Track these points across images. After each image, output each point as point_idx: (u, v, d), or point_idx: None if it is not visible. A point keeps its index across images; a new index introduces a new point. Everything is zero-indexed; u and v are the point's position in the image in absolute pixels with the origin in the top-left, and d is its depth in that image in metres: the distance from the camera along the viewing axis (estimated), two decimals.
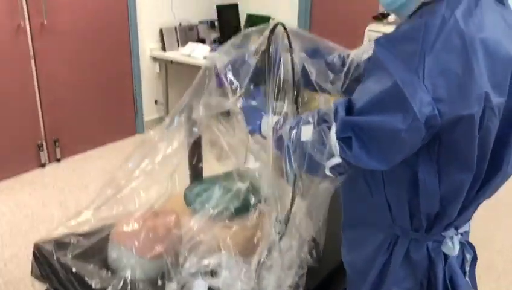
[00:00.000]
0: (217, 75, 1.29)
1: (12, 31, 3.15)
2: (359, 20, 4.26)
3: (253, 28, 1.33)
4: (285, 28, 1.26)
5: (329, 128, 0.96)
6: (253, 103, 1.26)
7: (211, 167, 1.64)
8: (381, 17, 3.85)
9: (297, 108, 1.25)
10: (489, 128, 0.90)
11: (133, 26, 3.93)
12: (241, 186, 1.46)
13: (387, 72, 0.87)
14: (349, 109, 0.94)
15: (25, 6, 3.17)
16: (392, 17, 3.76)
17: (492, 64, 0.86)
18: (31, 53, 3.29)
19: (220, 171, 1.59)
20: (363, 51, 1.27)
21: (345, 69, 1.23)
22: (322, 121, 1.00)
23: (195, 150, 1.60)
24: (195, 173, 1.67)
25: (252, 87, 1.29)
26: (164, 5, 4.11)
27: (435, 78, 0.84)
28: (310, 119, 1.02)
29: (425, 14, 0.91)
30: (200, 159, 1.65)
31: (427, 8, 0.94)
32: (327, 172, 0.98)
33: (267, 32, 1.27)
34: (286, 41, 1.26)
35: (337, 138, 0.93)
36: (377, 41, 0.94)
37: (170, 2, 4.13)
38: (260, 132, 1.20)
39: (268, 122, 1.16)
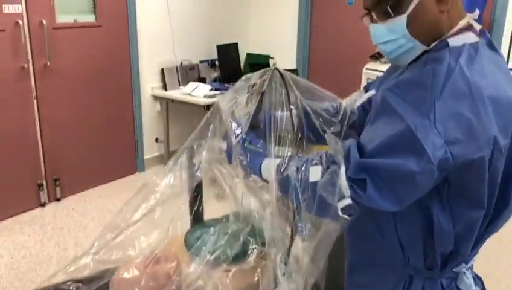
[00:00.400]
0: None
1: (16, 72, 3.21)
2: (357, 59, 4.34)
3: (254, 74, 1.35)
4: (281, 74, 1.26)
5: (339, 169, 0.97)
6: (252, 146, 1.27)
7: (210, 207, 1.63)
8: (378, 56, 3.93)
9: (297, 152, 1.25)
10: (498, 168, 0.93)
11: (135, 67, 4.00)
12: (242, 229, 1.45)
13: (399, 116, 0.90)
14: (360, 151, 0.96)
15: (29, 49, 3.25)
16: None
17: (497, 109, 0.90)
18: (34, 94, 3.34)
19: (220, 212, 1.59)
20: (355, 99, 1.30)
21: (341, 115, 1.25)
22: (331, 162, 1.00)
23: (196, 194, 1.59)
24: (197, 217, 1.66)
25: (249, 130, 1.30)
26: (166, 46, 4.20)
27: (446, 122, 0.87)
28: (318, 161, 1.03)
29: (430, 61, 0.96)
30: (201, 203, 1.64)
31: (431, 56, 0.98)
32: (340, 213, 0.98)
33: (265, 77, 1.28)
34: (283, 86, 1.27)
35: (349, 180, 0.94)
36: (386, 87, 0.98)
37: (171, 43, 4.22)
38: (260, 175, 1.20)
39: (269, 164, 1.16)
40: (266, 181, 1.18)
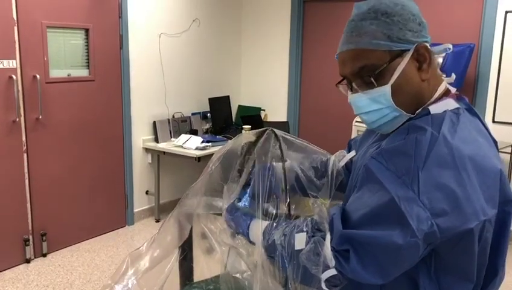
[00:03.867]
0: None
1: (7, 125, 3.20)
2: (347, 112, 4.39)
3: (251, 132, 1.34)
4: (275, 134, 1.27)
5: (324, 238, 0.95)
6: (241, 205, 1.25)
7: (199, 262, 1.59)
8: None
9: (289, 212, 1.23)
10: (488, 239, 0.92)
11: (127, 120, 4.02)
12: None
13: (383, 186, 0.89)
14: (344, 220, 0.94)
15: (21, 102, 3.26)
16: None
17: (483, 178, 0.88)
18: (24, 147, 3.32)
19: (210, 270, 1.54)
20: (339, 159, 1.31)
21: (329, 176, 1.24)
22: (316, 230, 0.98)
23: (185, 253, 1.56)
24: (186, 278, 1.61)
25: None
26: (158, 99, 4.25)
27: (431, 193, 0.84)
28: (304, 228, 1.00)
29: (413, 130, 0.95)
30: (191, 263, 1.60)
31: (412, 124, 0.97)
32: (323, 286, 0.95)
33: (261, 137, 1.27)
34: (277, 146, 1.28)
35: (333, 250, 0.92)
36: (370, 154, 0.97)
37: (164, 96, 4.27)
38: (248, 237, 1.17)
39: (257, 227, 1.14)
40: (253, 243, 1.16)
